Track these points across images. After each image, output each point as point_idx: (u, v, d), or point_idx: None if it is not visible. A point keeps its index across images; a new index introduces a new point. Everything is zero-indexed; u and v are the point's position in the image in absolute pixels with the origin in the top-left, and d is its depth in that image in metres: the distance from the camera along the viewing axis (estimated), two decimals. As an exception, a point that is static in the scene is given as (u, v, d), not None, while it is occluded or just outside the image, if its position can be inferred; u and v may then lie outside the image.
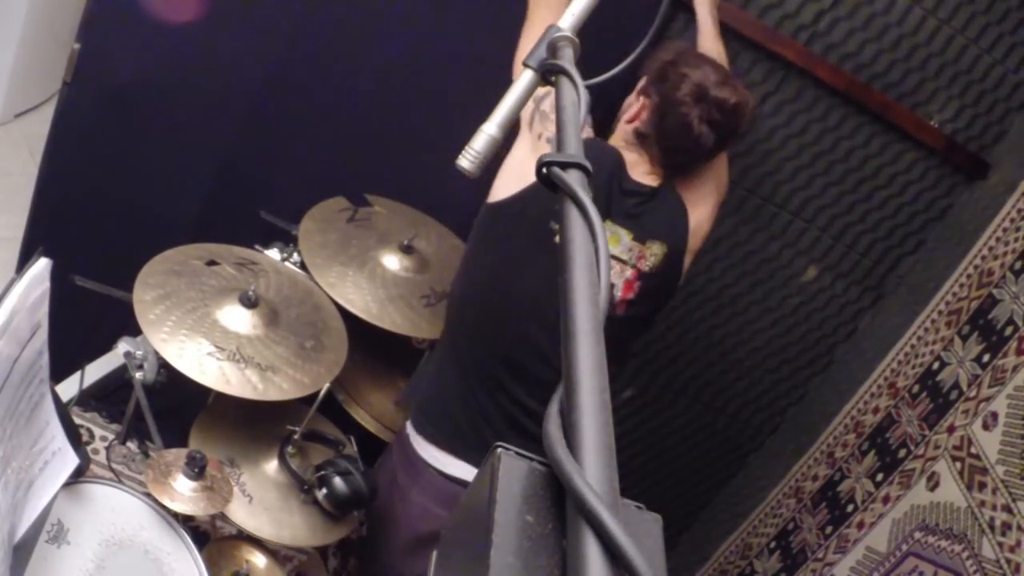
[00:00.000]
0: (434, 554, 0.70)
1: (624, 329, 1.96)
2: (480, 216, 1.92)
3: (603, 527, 0.48)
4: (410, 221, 2.30)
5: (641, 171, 1.90)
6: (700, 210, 1.98)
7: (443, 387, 1.93)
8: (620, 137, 1.95)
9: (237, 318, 1.83)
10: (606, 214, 1.85)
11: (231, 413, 1.90)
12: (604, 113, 2.03)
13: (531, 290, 1.84)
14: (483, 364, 1.90)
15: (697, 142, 1.83)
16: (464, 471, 1.87)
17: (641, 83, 1.93)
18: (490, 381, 1.89)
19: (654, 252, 1.90)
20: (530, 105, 1.73)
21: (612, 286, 1.85)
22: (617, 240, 1.87)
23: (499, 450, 0.59)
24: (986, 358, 2.22)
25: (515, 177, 1.85)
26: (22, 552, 1.39)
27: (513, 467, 0.58)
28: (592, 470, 0.52)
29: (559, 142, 0.92)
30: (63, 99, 2.37)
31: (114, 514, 1.61)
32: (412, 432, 1.94)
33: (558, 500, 0.56)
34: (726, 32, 2.27)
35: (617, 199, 1.88)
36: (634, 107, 1.91)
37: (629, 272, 1.89)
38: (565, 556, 0.52)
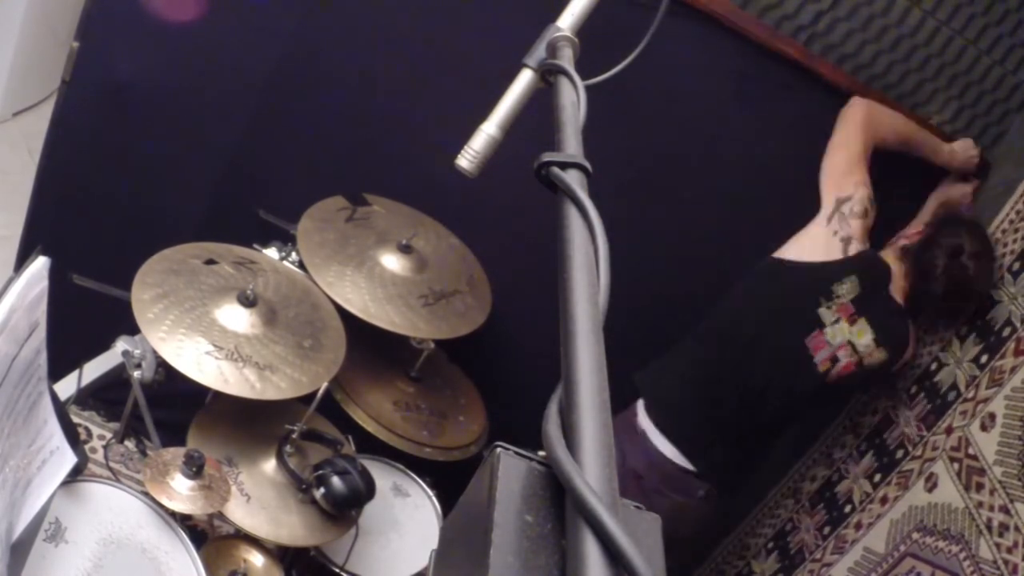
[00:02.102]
0: (433, 553, 0.70)
1: (824, 395, 2.33)
2: (762, 264, 2.29)
3: (602, 527, 0.48)
4: (409, 221, 2.30)
5: (898, 288, 2.29)
6: (914, 345, 2.39)
7: (680, 388, 2.33)
8: (892, 250, 2.36)
9: (235, 317, 1.83)
10: (865, 311, 2.23)
11: (229, 412, 1.89)
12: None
13: (781, 343, 2.24)
14: (720, 385, 2.28)
15: (928, 287, 2.26)
16: (669, 450, 2.27)
17: (930, 215, 2.44)
18: (720, 401, 2.28)
19: (878, 357, 2.26)
20: (832, 202, 2.23)
21: (836, 361, 2.24)
22: (863, 335, 2.24)
23: (498, 450, 0.59)
24: (984, 359, 2.22)
25: (808, 249, 2.24)
26: (20, 550, 1.39)
27: (512, 467, 0.58)
28: (591, 470, 0.52)
29: (558, 141, 0.91)
30: (62, 98, 2.37)
31: (112, 513, 1.61)
32: (641, 412, 2.33)
33: (557, 500, 0.56)
34: (725, 34, 2.27)
35: (876, 301, 2.25)
36: (914, 230, 2.37)
37: (854, 359, 2.24)
38: (564, 556, 0.52)
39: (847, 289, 2.22)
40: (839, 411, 2.75)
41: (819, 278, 2.23)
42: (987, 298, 2.30)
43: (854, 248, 2.24)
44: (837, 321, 2.22)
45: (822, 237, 2.24)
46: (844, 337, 2.23)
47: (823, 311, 2.22)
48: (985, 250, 2.26)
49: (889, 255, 2.33)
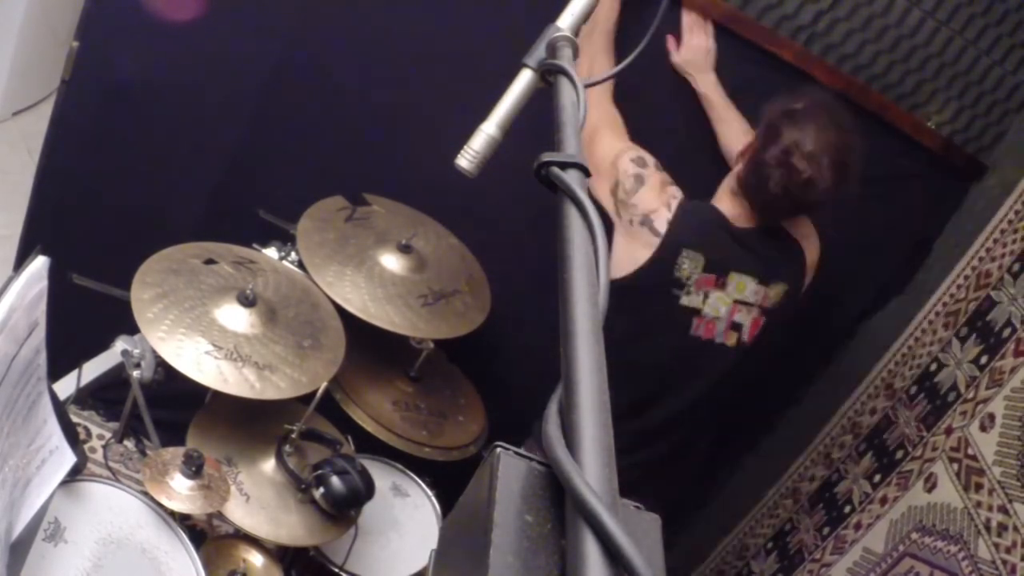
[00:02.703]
0: (433, 553, 0.70)
1: (752, 359, 2.17)
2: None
3: (602, 527, 0.48)
4: (408, 220, 2.30)
5: (743, 218, 2.06)
6: (811, 241, 2.17)
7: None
8: (727, 184, 2.11)
9: (235, 317, 1.83)
10: (727, 266, 2.05)
11: (229, 412, 1.89)
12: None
13: (674, 354, 2.10)
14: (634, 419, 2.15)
15: (772, 202, 2.00)
16: None
17: (760, 126, 2.07)
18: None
19: (776, 291, 2.10)
20: (609, 200, 2.03)
21: (739, 326, 2.10)
22: (743, 287, 2.07)
23: (498, 450, 0.59)
24: (984, 360, 2.22)
25: (626, 261, 2.04)
26: (19, 550, 1.39)
27: (512, 467, 0.58)
28: (591, 470, 0.52)
29: (557, 141, 0.91)
30: (61, 97, 2.37)
31: (111, 513, 1.61)
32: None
33: (557, 500, 0.56)
34: (724, 34, 2.27)
35: (732, 248, 2.05)
36: (746, 150, 2.07)
37: (755, 312, 2.10)
38: (564, 556, 0.52)
39: (688, 266, 2.02)
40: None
41: (655, 277, 2.03)
42: (846, 193, 1.99)
43: (660, 220, 2.01)
44: (707, 296, 2.04)
45: (625, 236, 2.05)
46: (728, 302, 2.05)
47: (686, 299, 2.04)
48: (824, 141, 1.93)
49: (724, 196, 2.10)
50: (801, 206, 2.03)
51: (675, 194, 2.06)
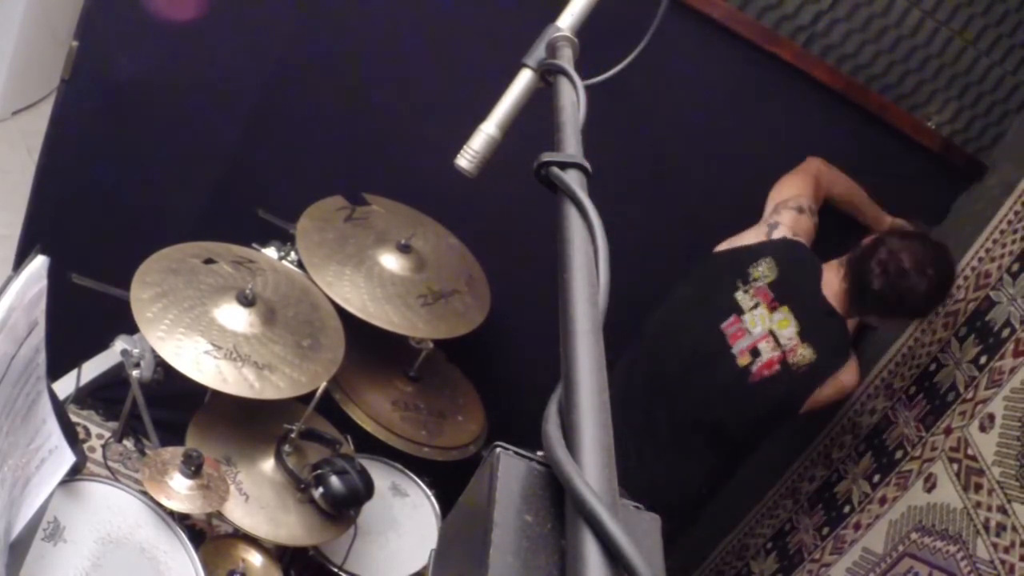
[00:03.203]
0: (433, 553, 0.70)
1: (747, 401, 2.19)
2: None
3: (602, 527, 0.48)
4: (408, 220, 2.30)
5: (832, 292, 2.17)
6: (850, 382, 2.21)
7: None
8: (836, 260, 2.22)
9: (234, 316, 1.83)
10: (787, 299, 2.15)
11: (228, 411, 1.89)
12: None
13: (696, 330, 2.20)
14: (639, 388, 2.26)
15: (867, 291, 2.09)
16: None
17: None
18: (640, 407, 2.25)
19: (804, 354, 2.14)
20: (771, 208, 2.25)
21: (758, 354, 2.15)
22: (785, 324, 2.15)
23: (498, 450, 0.59)
24: (983, 360, 2.22)
25: (736, 241, 2.23)
26: (18, 550, 1.39)
27: (512, 467, 0.58)
28: (591, 470, 0.52)
29: (557, 142, 0.91)
30: (61, 97, 2.37)
31: (110, 512, 1.61)
32: None
33: (557, 500, 0.56)
34: (724, 34, 2.27)
35: (802, 293, 2.17)
36: (865, 241, 2.18)
37: (777, 353, 2.14)
38: (564, 556, 0.52)
39: (763, 271, 2.15)
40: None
41: (736, 260, 2.20)
42: (924, 315, 2.27)
43: (779, 233, 2.20)
44: (756, 306, 2.14)
45: (753, 230, 2.25)
46: (765, 326, 2.13)
47: (740, 295, 2.15)
48: (930, 262, 2.11)
49: (832, 264, 2.23)
50: (893, 308, 2.14)
51: (803, 236, 2.23)
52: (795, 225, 2.22)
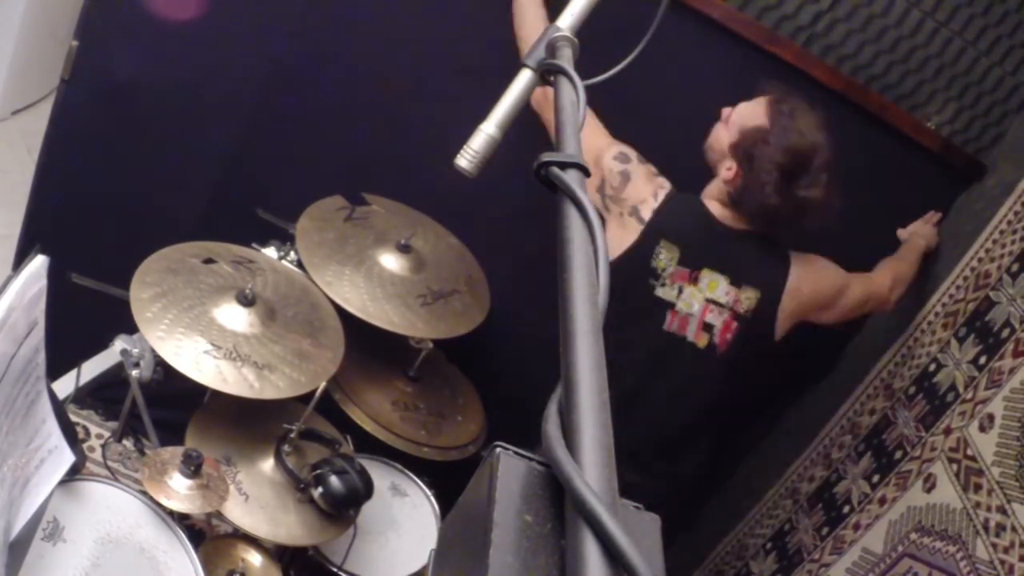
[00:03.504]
0: (432, 552, 0.70)
1: (728, 369, 2.15)
2: None
3: (602, 527, 0.48)
4: (408, 220, 2.30)
5: (731, 218, 2.09)
6: (809, 278, 2.14)
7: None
8: (715, 193, 2.12)
9: (234, 316, 1.83)
10: (701, 262, 2.07)
11: (228, 411, 1.89)
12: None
13: (645, 345, 2.10)
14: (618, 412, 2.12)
15: (771, 215, 2.02)
16: None
17: (733, 140, 2.07)
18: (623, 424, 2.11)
19: (748, 296, 2.09)
20: (596, 197, 2.06)
21: (711, 327, 2.09)
22: (715, 285, 2.08)
23: (498, 450, 0.59)
24: (983, 360, 2.22)
25: (615, 247, 2.07)
26: (18, 549, 1.39)
27: (512, 467, 0.58)
28: (591, 470, 0.52)
29: (557, 142, 0.91)
30: (61, 96, 2.37)
31: (110, 512, 1.61)
32: None
33: (557, 500, 0.56)
34: (724, 35, 2.27)
35: (709, 246, 2.08)
36: (728, 169, 2.06)
37: (727, 315, 2.09)
38: (564, 556, 0.52)
39: (665, 256, 2.06)
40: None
41: (633, 266, 2.07)
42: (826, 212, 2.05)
43: (647, 209, 2.06)
44: (680, 291, 2.06)
45: (614, 228, 2.09)
46: (700, 299, 2.06)
47: (661, 291, 2.07)
48: (820, 124, 2.00)
49: (713, 196, 2.12)
50: (799, 215, 2.03)
51: (663, 184, 2.11)
52: (648, 186, 2.09)
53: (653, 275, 2.06)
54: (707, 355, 2.12)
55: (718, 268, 2.07)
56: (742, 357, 2.15)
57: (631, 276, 2.08)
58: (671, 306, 2.08)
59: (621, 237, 2.08)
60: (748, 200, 2.03)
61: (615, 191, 2.07)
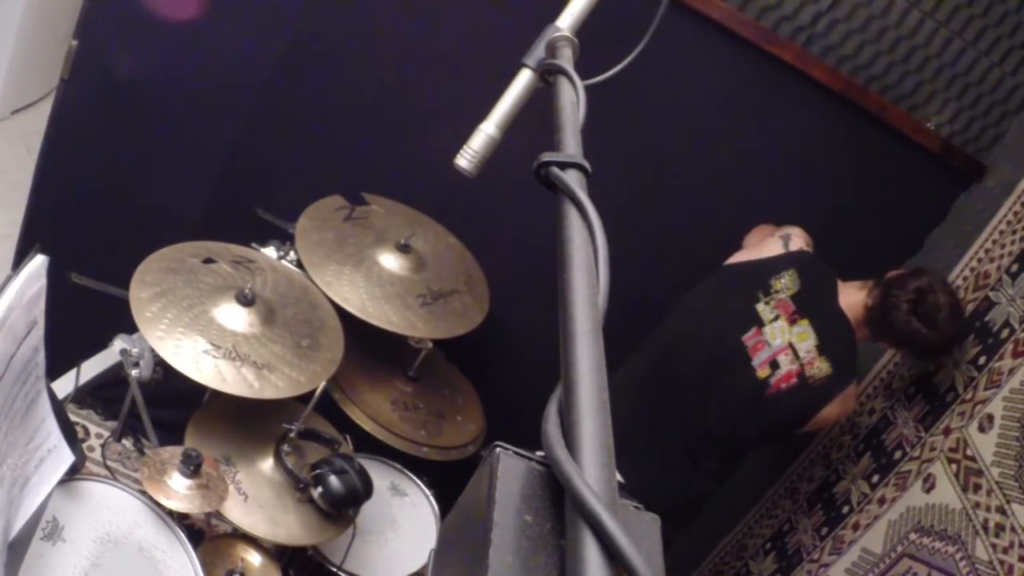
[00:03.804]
0: (432, 552, 0.70)
1: (763, 411, 2.18)
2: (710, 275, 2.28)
3: (602, 527, 0.48)
4: (407, 220, 2.30)
5: (850, 309, 2.18)
6: (845, 405, 2.21)
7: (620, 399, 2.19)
8: (851, 296, 2.20)
9: (233, 316, 1.83)
10: (808, 313, 2.16)
11: (227, 411, 1.89)
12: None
13: (718, 341, 2.18)
14: (659, 395, 2.24)
15: (887, 317, 2.12)
16: None
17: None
18: (658, 411, 2.24)
19: (821, 367, 2.15)
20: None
21: (777, 366, 2.15)
22: (804, 337, 2.16)
23: (498, 450, 0.59)
24: (982, 360, 2.22)
25: (751, 253, 2.27)
26: (17, 549, 1.39)
27: (512, 466, 0.58)
28: (591, 470, 0.52)
29: (557, 141, 0.91)
30: (60, 96, 2.37)
31: (109, 512, 1.61)
32: None
33: (557, 500, 0.56)
34: (724, 35, 2.27)
35: (823, 309, 2.18)
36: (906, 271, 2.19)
37: (796, 366, 2.15)
38: (564, 556, 0.52)
39: (785, 283, 2.18)
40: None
41: (756, 272, 2.21)
42: (946, 351, 2.23)
43: (795, 244, 2.22)
44: (776, 319, 2.16)
45: (767, 243, 2.27)
46: (785, 338, 2.15)
47: (761, 307, 2.18)
48: (959, 321, 2.16)
49: (853, 284, 2.24)
50: (906, 342, 2.17)
51: (810, 246, 2.29)
52: (807, 239, 2.26)
53: (765, 291, 2.19)
54: (758, 388, 2.16)
55: (817, 328, 2.16)
56: (776, 415, 2.20)
57: (746, 282, 2.21)
58: (760, 324, 2.17)
59: (763, 248, 2.25)
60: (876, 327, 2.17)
61: (794, 235, 2.25)
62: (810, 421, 2.19)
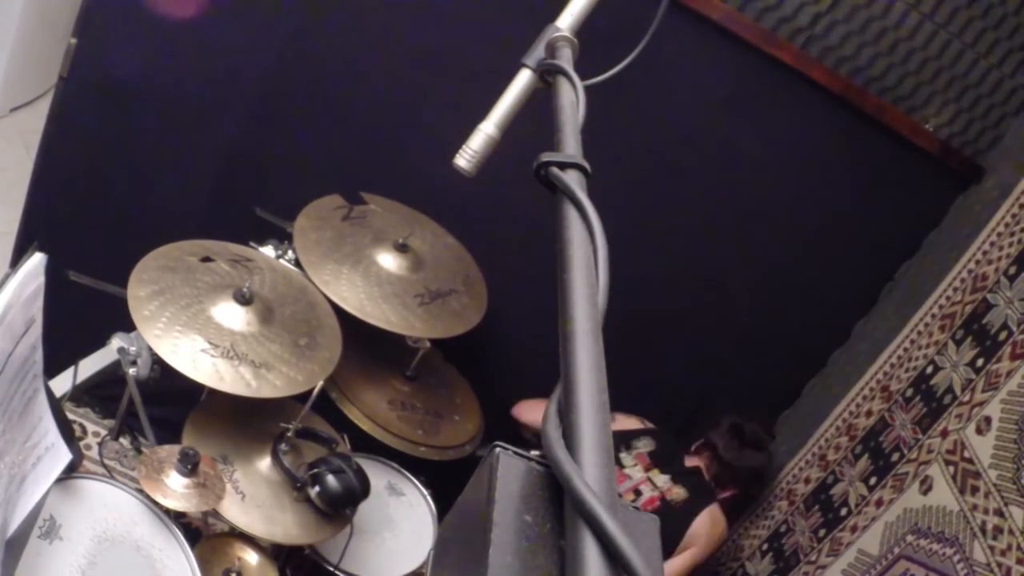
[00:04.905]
0: (431, 552, 0.70)
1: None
2: None
3: (601, 527, 0.48)
4: (405, 219, 2.30)
5: (693, 465, 2.57)
6: (706, 525, 2.48)
7: None
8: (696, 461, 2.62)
9: (231, 315, 1.83)
10: (658, 466, 2.52)
11: (224, 410, 1.89)
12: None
13: None
14: None
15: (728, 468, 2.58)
16: None
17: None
18: None
19: (679, 492, 2.48)
20: None
21: (640, 493, 2.46)
22: (658, 475, 2.50)
23: (498, 450, 0.58)
24: (980, 363, 2.22)
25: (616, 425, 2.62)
26: (14, 547, 1.39)
27: (512, 467, 0.58)
28: (590, 470, 0.52)
29: (557, 142, 0.91)
30: (59, 94, 2.37)
31: (106, 510, 1.61)
32: None
33: (556, 500, 0.56)
34: (723, 36, 2.27)
35: (671, 464, 2.52)
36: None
37: (656, 493, 2.46)
38: (563, 556, 0.52)
39: (643, 444, 2.55)
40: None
41: (620, 438, 2.55)
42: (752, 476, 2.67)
43: (648, 422, 2.65)
44: (635, 465, 2.51)
45: (618, 419, 2.61)
46: (643, 475, 2.49)
47: (623, 455, 2.53)
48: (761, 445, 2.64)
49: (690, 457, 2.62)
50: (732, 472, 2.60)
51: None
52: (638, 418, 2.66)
53: (627, 447, 2.55)
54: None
55: (668, 473, 2.51)
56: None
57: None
58: (621, 466, 2.52)
59: (618, 423, 2.60)
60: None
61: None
62: (685, 536, 2.44)
